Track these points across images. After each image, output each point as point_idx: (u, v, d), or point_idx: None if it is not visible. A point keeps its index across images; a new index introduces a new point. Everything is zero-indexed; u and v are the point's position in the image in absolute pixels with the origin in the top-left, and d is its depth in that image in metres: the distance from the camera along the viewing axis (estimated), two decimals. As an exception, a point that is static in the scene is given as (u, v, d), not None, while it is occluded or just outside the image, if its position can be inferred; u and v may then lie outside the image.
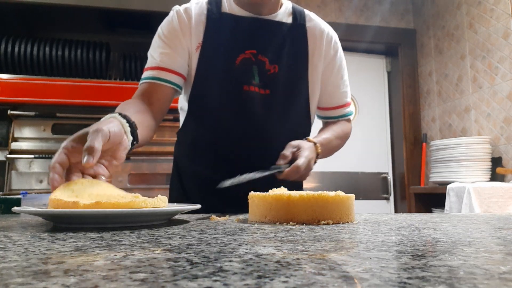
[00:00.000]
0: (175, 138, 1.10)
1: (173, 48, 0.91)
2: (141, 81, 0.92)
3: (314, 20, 1.02)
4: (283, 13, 0.98)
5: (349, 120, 1.10)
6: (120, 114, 0.67)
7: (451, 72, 2.66)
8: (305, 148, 0.84)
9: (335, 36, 1.04)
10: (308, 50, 0.99)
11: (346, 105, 1.08)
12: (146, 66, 0.93)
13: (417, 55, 3.03)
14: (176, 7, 0.96)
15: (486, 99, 2.36)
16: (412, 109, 2.98)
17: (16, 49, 2.17)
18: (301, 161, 0.80)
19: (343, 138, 1.05)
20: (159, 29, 0.95)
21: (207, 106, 0.93)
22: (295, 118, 0.99)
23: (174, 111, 2.51)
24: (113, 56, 2.55)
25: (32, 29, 2.53)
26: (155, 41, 0.94)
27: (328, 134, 0.99)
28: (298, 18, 0.99)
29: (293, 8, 1.01)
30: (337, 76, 1.03)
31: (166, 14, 1.01)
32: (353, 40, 2.88)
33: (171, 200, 1.03)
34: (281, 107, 0.95)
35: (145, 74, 0.92)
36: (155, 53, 0.92)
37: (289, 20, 0.98)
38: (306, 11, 1.03)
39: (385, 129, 3.11)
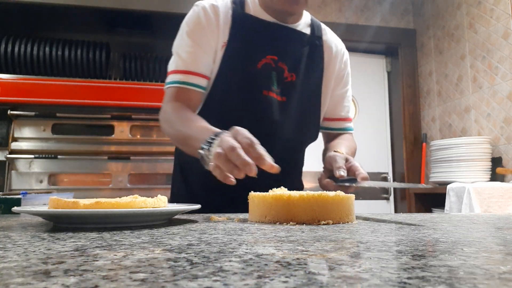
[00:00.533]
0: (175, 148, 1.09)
1: (201, 46, 0.90)
2: (170, 84, 0.91)
3: (330, 34, 1.05)
4: (304, 24, 0.99)
5: (351, 135, 1.10)
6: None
7: (451, 72, 2.66)
8: (354, 161, 0.84)
9: (347, 53, 1.07)
10: (324, 63, 1.01)
11: (347, 119, 1.08)
12: (174, 67, 0.91)
13: (417, 55, 3.03)
14: (201, 3, 0.93)
15: (486, 99, 2.36)
16: (412, 109, 2.98)
17: (16, 49, 2.17)
18: (364, 171, 0.80)
19: (354, 154, 1.06)
20: (185, 26, 0.92)
21: (224, 104, 0.92)
22: (306, 127, 1.01)
23: (174, 111, 2.46)
24: (113, 56, 2.55)
25: (32, 29, 2.53)
26: (182, 38, 0.92)
27: (347, 149, 0.97)
28: (316, 30, 1.01)
29: (312, 20, 1.03)
30: (342, 90, 1.06)
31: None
32: (353, 40, 2.87)
33: (173, 199, 1.03)
34: (295, 115, 0.96)
35: (174, 77, 0.90)
36: (183, 52, 0.90)
37: (307, 31, 1.00)
38: (323, 25, 1.05)
39: (385, 129, 3.11)
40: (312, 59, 0.99)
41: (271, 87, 0.93)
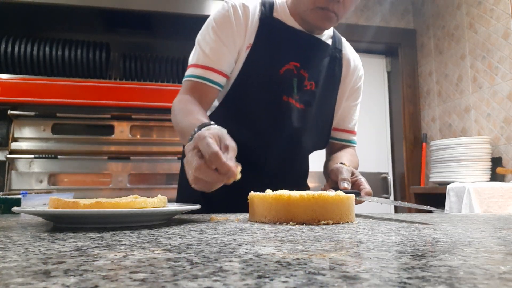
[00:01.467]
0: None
1: (226, 43, 0.89)
2: (188, 77, 0.90)
3: (349, 48, 1.06)
4: (327, 35, 1.00)
5: (354, 149, 1.10)
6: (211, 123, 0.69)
7: (451, 72, 2.66)
8: (360, 176, 0.84)
9: (362, 69, 1.08)
10: (342, 75, 1.02)
11: (353, 132, 1.09)
12: (195, 61, 0.90)
13: (417, 55, 3.03)
14: (232, 0, 0.91)
15: (486, 99, 2.36)
16: (412, 109, 2.98)
17: (16, 49, 2.17)
18: (368, 187, 0.80)
19: (357, 168, 1.06)
20: (212, 21, 0.91)
21: (243, 106, 0.91)
22: (319, 136, 1.03)
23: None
24: (113, 56, 2.55)
25: (32, 29, 2.53)
26: (207, 33, 0.90)
27: (350, 163, 0.97)
28: (337, 43, 1.02)
29: (334, 32, 1.04)
30: (353, 102, 1.07)
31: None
32: (353, 40, 2.85)
33: (182, 197, 1.03)
34: (312, 123, 0.97)
35: (194, 71, 0.89)
36: (206, 46, 0.89)
37: (329, 42, 1.00)
38: (342, 38, 1.06)
39: (385, 129, 3.11)
40: (331, 70, 1.00)
41: (291, 93, 0.93)
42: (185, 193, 1.04)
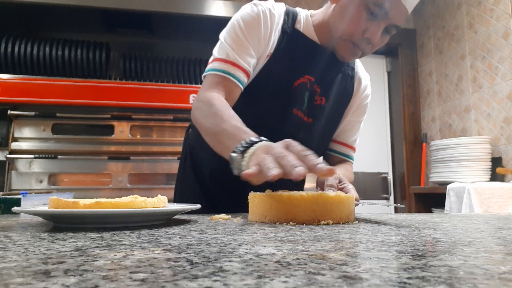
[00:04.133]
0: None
1: (252, 45, 0.86)
2: (212, 71, 0.85)
3: (360, 67, 1.06)
4: None
5: (351, 165, 1.09)
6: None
7: (451, 72, 2.67)
8: (347, 183, 0.82)
9: (370, 89, 1.10)
10: (353, 93, 1.03)
11: (352, 148, 1.08)
12: (221, 55, 0.86)
13: (417, 55, 3.03)
14: (262, 4, 0.88)
15: (486, 99, 2.36)
16: (412, 109, 2.98)
17: (16, 49, 2.17)
18: (355, 193, 0.79)
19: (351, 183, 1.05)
20: (240, 21, 0.87)
21: (251, 114, 0.86)
22: (322, 148, 1.03)
23: (174, 110, 2.50)
24: (113, 56, 2.55)
25: (32, 29, 2.54)
26: (234, 31, 0.86)
27: (343, 176, 0.97)
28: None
29: None
30: (357, 118, 1.07)
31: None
32: (353, 40, 2.87)
33: (181, 196, 1.03)
34: (318, 137, 0.98)
35: (218, 65, 0.85)
36: (233, 44, 0.85)
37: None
38: None
39: (385, 129, 3.11)
40: (343, 87, 1.00)
41: (301, 107, 0.93)
42: (184, 193, 1.04)
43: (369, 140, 3.00)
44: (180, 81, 2.41)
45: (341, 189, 0.80)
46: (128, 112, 2.22)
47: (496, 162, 2.21)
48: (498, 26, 2.28)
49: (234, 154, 0.62)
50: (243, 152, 0.62)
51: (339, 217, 0.55)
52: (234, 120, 0.73)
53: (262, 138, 0.65)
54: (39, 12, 2.30)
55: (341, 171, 0.97)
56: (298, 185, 1.06)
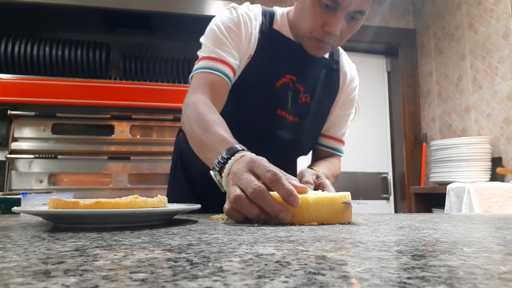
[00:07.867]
0: (175, 138, 1.10)
1: (233, 46, 0.86)
2: (196, 70, 0.85)
3: (346, 60, 1.05)
4: None
5: (339, 159, 1.09)
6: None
7: (451, 72, 2.67)
8: (324, 179, 0.83)
9: (357, 79, 1.07)
10: (339, 87, 1.02)
11: (341, 141, 1.08)
12: (204, 54, 0.86)
13: (417, 55, 3.03)
14: (239, 9, 0.89)
15: (486, 99, 2.36)
16: (412, 109, 2.98)
17: (16, 49, 2.17)
18: (333, 189, 0.79)
19: (336, 177, 1.05)
20: (220, 25, 0.86)
21: (235, 117, 0.85)
22: (310, 145, 1.03)
23: (174, 111, 2.50)
24: (113, 56, 2.55)
25: (32, 29, 2.54)
26: (214, 33, 0.86)
27: (327, 171, 0.96)
28: (334, 54, 1.01)
29: None
30: (345, 112, 1.06)
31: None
32: (353, 40, 2.86)
33: (173, 196, 1.04)
34: (304, 136, 0.97)
35: (204, 63, 0.85)
36: (214, 43, 0.85)
37: (326, 54, 0.99)
38: (340, 49, 1.04)
39: (385, 129, 3.11)
40: (328, 82, 0.99)
41: (285, 107, 0.93)
42: (175, 195, 1.04)
43: (369, 140, 3.00)
44: (180, 81, 2.41)
45: (318, 185, 0.80)
46: (128, 112, 2.22)
47: (496, 162, 2.21)
48: (498, 26, 2.28)
49: (212, 173, 0.63)
50: (220, 171, 0.61)
51: (339, 217, 0.55)
52: (216, 127, 0.70)
53: (237, 147, 0.62)
54: (39, 12, 2.30)
55: (326, 166, 0.98)
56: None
